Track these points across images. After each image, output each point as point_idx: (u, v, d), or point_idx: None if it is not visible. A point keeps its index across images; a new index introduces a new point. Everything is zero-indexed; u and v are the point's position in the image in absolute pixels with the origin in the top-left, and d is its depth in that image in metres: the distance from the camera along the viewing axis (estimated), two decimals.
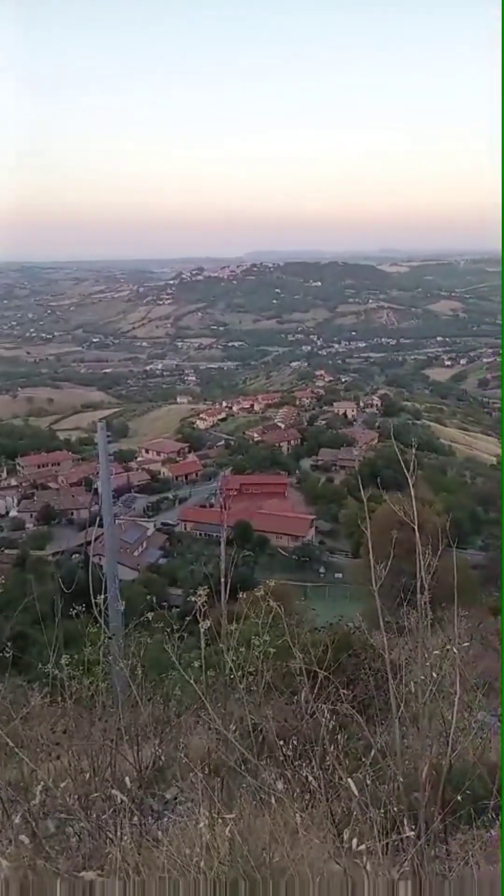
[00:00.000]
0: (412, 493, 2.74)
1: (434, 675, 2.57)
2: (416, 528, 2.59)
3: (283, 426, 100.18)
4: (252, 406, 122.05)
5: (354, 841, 2.07)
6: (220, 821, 2.51)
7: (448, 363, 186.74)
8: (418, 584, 2.62)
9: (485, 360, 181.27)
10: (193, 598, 3.26)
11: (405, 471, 2.76)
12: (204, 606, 3.21)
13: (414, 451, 2.97)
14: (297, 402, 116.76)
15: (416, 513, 2.62)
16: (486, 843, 2.66)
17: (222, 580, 3.37)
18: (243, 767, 3.31)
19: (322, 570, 55.62)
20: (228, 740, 3.12)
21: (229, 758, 3.14)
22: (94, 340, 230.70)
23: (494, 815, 2.85)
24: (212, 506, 67.48)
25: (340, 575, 49.20)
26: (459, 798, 2.72)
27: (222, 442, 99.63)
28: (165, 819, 4.02)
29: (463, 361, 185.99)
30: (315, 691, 4.02)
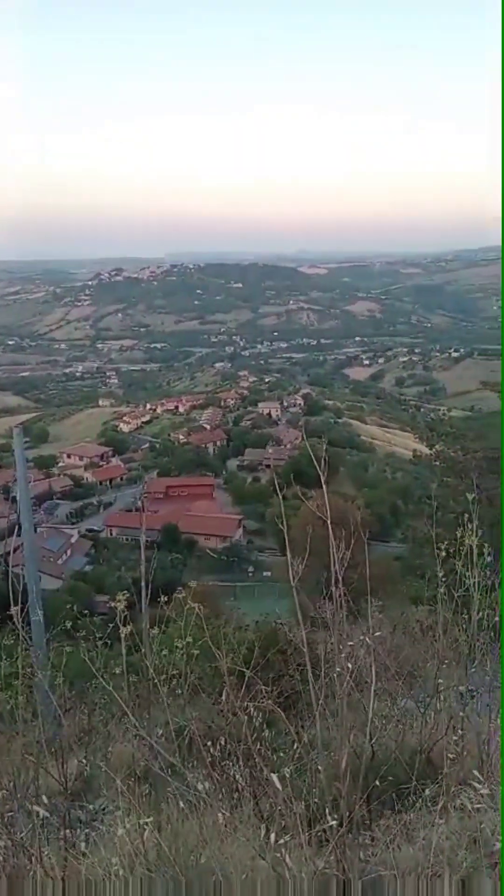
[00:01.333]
0: (324, 490, 2.79)
1: (349, 665, 2.63)
2: (328, 522, 2.64)
3: (208, 427, 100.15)
4: (177, 408, 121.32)
5: (273, 836, 2.09)
6: (146, 827, 2.48)
7: (366, 362, 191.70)
8: (332, 576, 2.67)
9: (401, 359, 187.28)
10: (113, 605, 3.20)
11: (318, 468, 2.81)
12: (124, 612, 3.16)
13: (325, 448, 3.03)
14: (222, 403, 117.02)
15: (328, 508, 2.68)
16: (406, 826, 2.74)
17: (143, 584, 3.33)
18: (170, 771, 3.28)
19: (251, 569, 55.92)
20: (157, 746, 3.08)
21: (154, 764, 3.11)
22: (10, 343, 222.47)
23: (415, 798, 2.95)
24: (138, 510, 66.56)
25: (269, 573, 49.59)
26: (380, 784, 2.80)
27: (147, 445, 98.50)
28: (93, 831, 3.94)
29: (381, 361, 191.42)
30: (242, 690, 4.03)
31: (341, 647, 2.69)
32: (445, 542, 3.79)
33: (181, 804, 2.96)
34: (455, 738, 3.14)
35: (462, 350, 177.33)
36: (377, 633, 2.87)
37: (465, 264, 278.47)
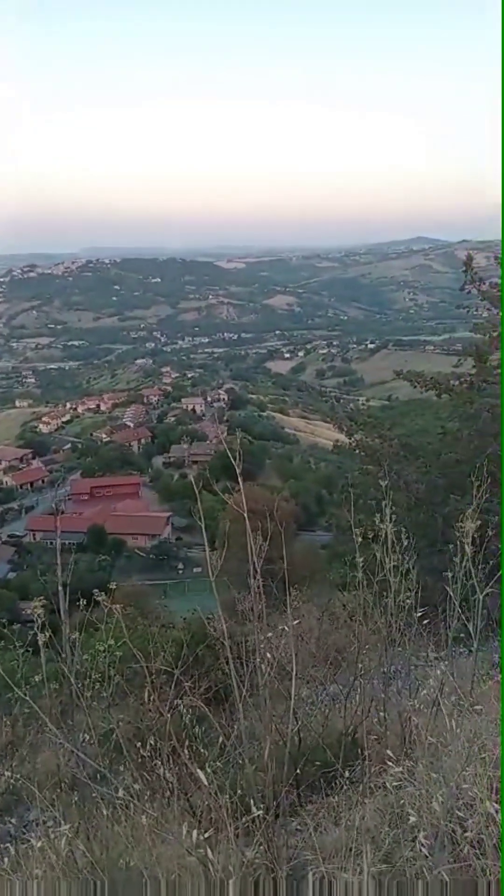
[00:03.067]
0: (240, 483, 2.80)
1: (269, 655, 2.67)
2: (245, 515, 2.66)
3: (132, 425, 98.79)
4: (98, 406, 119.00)
5: (201, 832, 2.09)
6: (71, 835, 2.43)
7: (287, 356, 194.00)
8: (251, 568, 2.70)
9: (320, 351, 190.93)
10: (30, 611, 3.11)
11: (233, 462, 2.82)
12: (41, 618, 3.07)
13: (239, 442, 3.04)
14: (145, 400, 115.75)
15: (244, 501, 2.69)
16: (333, 809, 2.81)
17: (59, 588, 3.25)
18: (98, 777, 3.23)
19: (181, 566, 55.66)
20: (78, 752, 3.02)
21: (79, 771, 3.05)
22: None
23: (342, 781, 3.02)
24: (62, 512, 64.87)
25: (199, 569, 49.54)
26: (308, 770, 2.85)
27: (69, 445, 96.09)
28: (23, 844, 3.83)
29: (301, 354, 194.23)
30: (172, 687, 4.01)
31: (261, 637, 2.72)
32: (362, 529, 3.89)
33: (109, 809, 2.92)
34: (376, 718, 3.25)
35: (377, 341, 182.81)
36: (296, 622, 2.91)
37: (378, 258, 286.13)
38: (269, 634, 2.71)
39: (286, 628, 2.88)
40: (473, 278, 12.96)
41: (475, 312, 14.34)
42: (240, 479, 2.75)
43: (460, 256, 14.39)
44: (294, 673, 2.59)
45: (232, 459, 2.63)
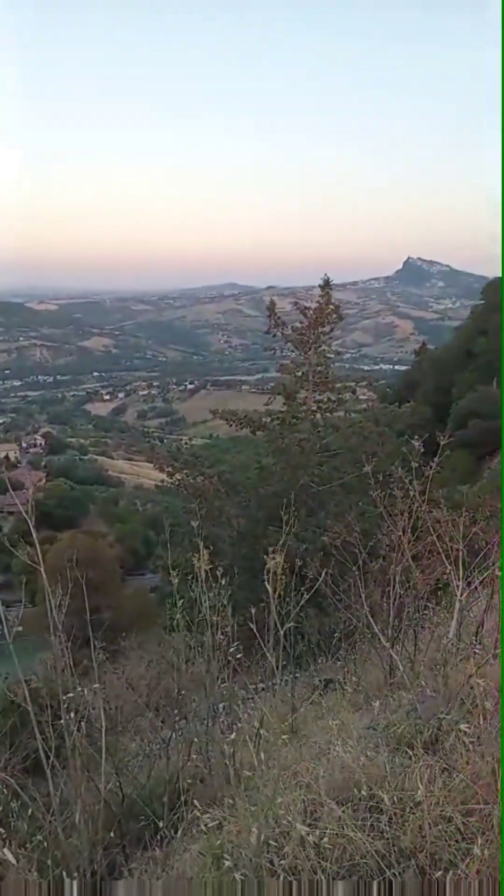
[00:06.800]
0: (34, 536, 2.69)
1: (72, 715, 2.56)
2: (41, 569, 2.55)
3: None
4: None
5: None
6: None
7: (107, 397, 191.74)
8: (51, 623, 2.58)
9: (140, 392, 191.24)
10: None
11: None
12: None
13: (31, 496, 2.93)
14: None
15: (39, 553, 2.58)
16: (158, 861, 2.72)
17: None
18: None
19: None
20: None
21: None
22: None
23: (167, 830, 2.93)
24: None
25: (21, 628, 46.13)
26: (132, 824, 2.74)
27: None
28: None
29: (121, 395, 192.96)
30: None
31: (65, 696, 2.60)
32: (181, 568, 3.91)
33: None
34: (200, 760, 3.22)
35: (196, 382, 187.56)
36: (96, 687, 2.81)
37: (191, 301, 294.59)
38: (70, 695, 2.59)
39: (102, 682, 2.77)
40: (277, 322, 13.88)
41: (280, 354, 15.33)
42: (34, 533, 2.63)
43: (267, 301, 15.37)
44: (104, 729, 2.50)
45: (25, 514, 2.51)
